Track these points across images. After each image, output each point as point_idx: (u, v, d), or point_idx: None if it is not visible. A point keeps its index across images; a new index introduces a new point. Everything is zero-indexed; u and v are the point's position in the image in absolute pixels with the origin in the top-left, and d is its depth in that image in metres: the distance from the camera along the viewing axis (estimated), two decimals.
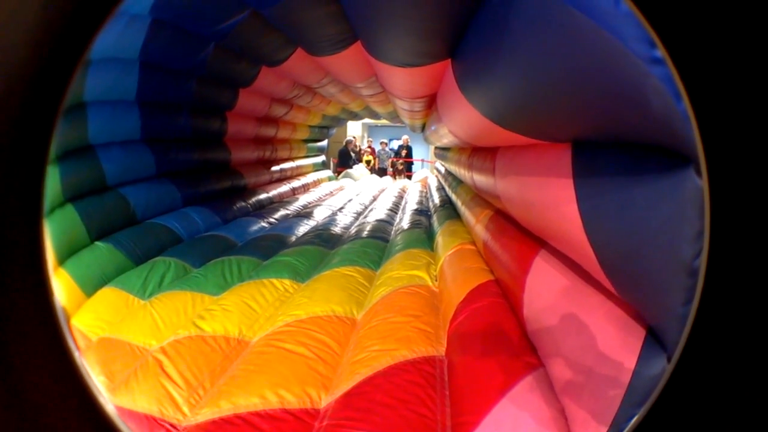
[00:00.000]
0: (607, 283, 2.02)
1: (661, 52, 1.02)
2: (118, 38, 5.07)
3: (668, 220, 1.44)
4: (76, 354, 1.23)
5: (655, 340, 1.66)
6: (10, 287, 1.14)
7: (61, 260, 4.67)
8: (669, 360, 1.53)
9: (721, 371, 1.07)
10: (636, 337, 1.74)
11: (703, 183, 1.00)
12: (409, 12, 3.46)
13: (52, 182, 4.69)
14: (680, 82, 0.99)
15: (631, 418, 1.39)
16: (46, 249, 1.20)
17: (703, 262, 1.04)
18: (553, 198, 2.47)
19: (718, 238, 1.01)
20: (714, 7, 0.95)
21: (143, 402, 3.01)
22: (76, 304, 4.37)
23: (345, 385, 2.98)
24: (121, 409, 2.95)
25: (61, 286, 4.42)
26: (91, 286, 4.66)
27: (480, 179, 5.14)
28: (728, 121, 0.97)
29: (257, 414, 2.81)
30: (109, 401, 1.28)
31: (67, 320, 1.24)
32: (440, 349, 3.32)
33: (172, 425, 2.88)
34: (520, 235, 3.65)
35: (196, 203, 7.58)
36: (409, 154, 21.98)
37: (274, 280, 4.92)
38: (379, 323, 3.71)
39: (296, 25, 5.57)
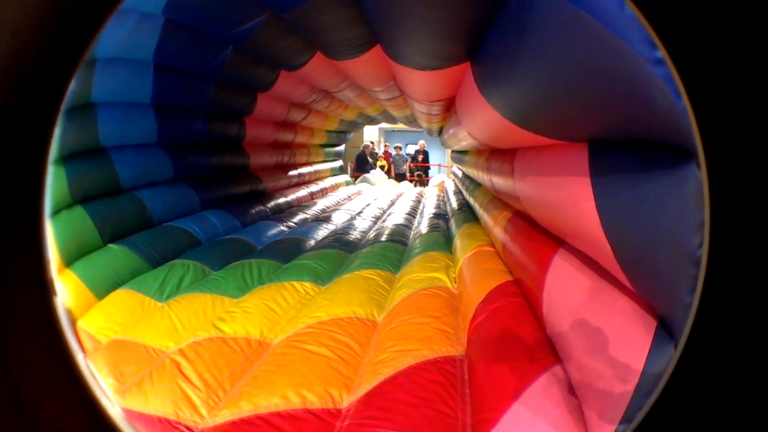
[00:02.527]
0: (622, 278, 2.07)
1: (661, 53, 1.07)
2: (127, 37, 5.02)
3: (675, 213, 1.50)
4: (79, 355, 1.24)
5: (665, 330, 1.70)
6: (9, 287, 1.15)
7: (69, 262, 4.67)
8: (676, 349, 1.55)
9: (726, 357, 1.11)
10: (648, 329, 1.79)
11: (702, 175, 1.06)
12: (430, 16, 3.50)
13: (58, 183, 4.70)
14: (679, 80, 1.04)
15: (641, 408, 1.41)
16: (47, 249, 1.20)
17: (704, 251, 1.09)
18: (572, 196, 2.51)
19: (718, 228, 1.06)
20: (710, 10, 1.01)
21: (157, 404, 3.01)
22: (84, 306, 4.36)
23: (367, 385, 3.00)
24: (130, 412, 2.95)
25: (68, 287, 4.44)
26: (102, 289, 4.65)
27: (499, 181, 5.15)
28: (725, 116, 1.02)
29: (278, 414, 2.82)
30: (114, 403, 1.29)
31: (73, 322, 1.24)
32: (460, 349, 3.33)
33: (187, 428, 2.87)
34: (539, 235, 3.66)
35: (214, 207, 7.59)
36: (426, 159, 21.91)
37: (295, 283, 4.93)
38: (399, 324, 3.72)
39: (316, 28, 5.55)
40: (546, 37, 2.13)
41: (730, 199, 1.04)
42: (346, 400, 2.98)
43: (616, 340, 2.03)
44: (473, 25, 3.44)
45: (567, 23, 1.78)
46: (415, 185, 19.47)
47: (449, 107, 7.08)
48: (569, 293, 2.75)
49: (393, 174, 21.60)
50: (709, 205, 1.06)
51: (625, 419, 1.72)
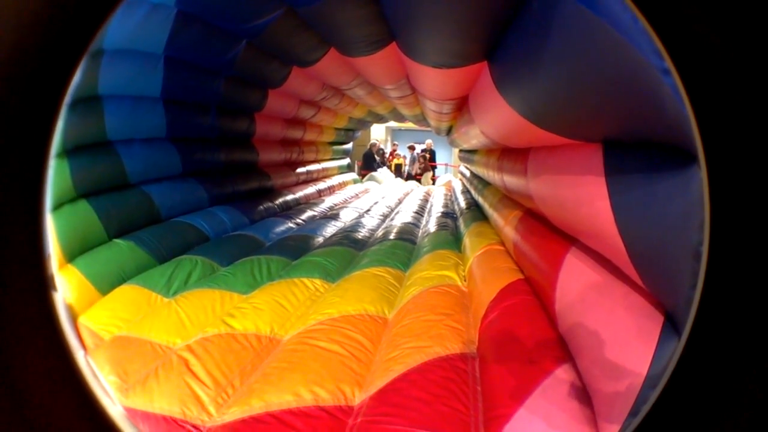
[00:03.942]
0: (633, 275, 2.13)
1: (667, 63, 1.14)
2: (137, 29, 4.95)
3: (682, 212, 1.55)
4: (79, 352, 1.22)
5: (671, 326, 1.78)
6: (8, 283, 1.14)
7: (72, 257, 4.62)
8: None
9: (727, 350, 1.15)
10: (656, 324, 1.85)
11: (703, 176, 1.12)
12: (450, 15, 3.52)
13: (61, 177, 4.66)
14: (683, 89, 1.11)
15: (647, 401, 1.43)
16: (47, 245, 1.19)
17: (705, 248, 1.14)
18: (587, 195, 2.53)
19: (718, 226, 1.11)
20: (717, 24, 1.07)
21: (162, 402, 2.98)
22: (87, 302, 4.29)
23: (379, 381, 2.99)
24: (133, 411, 2.93)
25: (71, 283, 4.38)
26: (107, 284, 4.61)
27: (511, 180, 5.15)
28: (725, 122, 1.09)
29: (290, 411, 2.80)
30: (115, 402, 1.27)
31: (74, 318, 1.23)
32: (472, 347, 3.33)
33: (194, 426, 2.85)
34: (551, 233, 3.69)
35: (223, 203, 7.58)
36: (433, 158, 21.92)
37: (305, 280, 4.93)
38: (411, 322, 3.72)
39: (333, 25, 5.53)
40: (567, 42, 2.18)
41: (730, 199, 1.10)
42: (358, 397, 2.98)
43: (626, 336, 2.09)
44: (493, 26, 3.46)
45: (588, 30, 1.84)
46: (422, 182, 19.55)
47: (461, 106, 7.10)
48: (582, 290, 2.78)
49: (405, 174, 21.62)
50: (710, 205, 1.11)
51: (633, 412, 1.75)
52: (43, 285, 1.19)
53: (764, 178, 1.07)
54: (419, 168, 21.30)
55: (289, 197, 10.08)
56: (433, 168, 21.92)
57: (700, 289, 1.14)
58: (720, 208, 1.10)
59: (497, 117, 4.45)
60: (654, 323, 1.86)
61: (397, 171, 21.45)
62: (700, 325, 1.15)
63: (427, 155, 21.54)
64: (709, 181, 1.09)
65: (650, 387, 1.68)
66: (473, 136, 7.11)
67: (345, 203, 11.54)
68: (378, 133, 26.25)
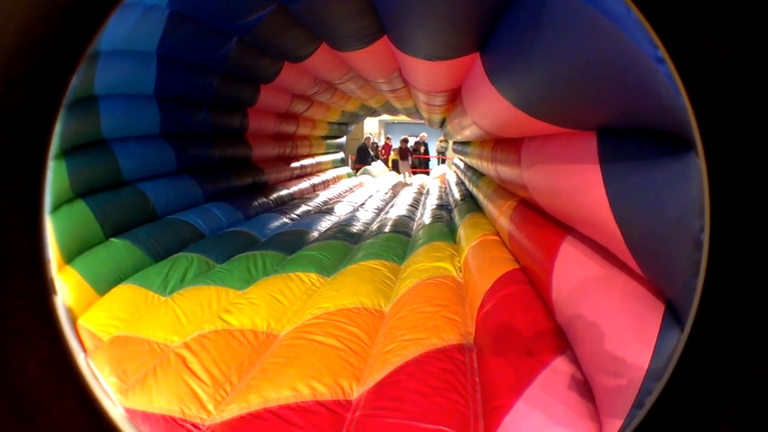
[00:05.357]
0: (631, 262, 2.12)
1: (661, 52, 1.13)
2: (132, 30, 4.98)
3: (681, 198, 1.56)
4: (80, 354, 1.22)
5: (672, 314, 1.77)
6: (9, 286, 1.13)
7: (70, 258, 4.62)
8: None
9: (732, 339, 1.13)
10: (657, 312, 1.85)
11: (701, 163, 1.10)
12: (441, 6, 3.51)
13: (58, 177, 4.64)
14: (678, 78, 1.10)
15: (652, 392, 1.43)
16: (47, 248, 1.18)
17: (706, 236, 1.12)
18: (582, 183, 2.53)
19: (718, 213, 1.10)
20: (708, 12, 1.05)
21: (161, 402, 2.96)
22: (85, 303, 4.30)
23: (377, 375, 2.99)
24: (133, 412, 2.91)
25: (69, 284, 4.38)
26: (104, 284, 4.60)
27: (504, 170, 5.15)
28: (721, 110, 1.08)
29: (289, 407, 2.79)
30: (116, 403, 1.27)
31: (73, 320, 1.22)
32: (469, 338, 3.33)
33: (194, 425, 2.83)
34: (546, 222, 3.68)
35: (217, 199, 7.57)
36: (426, 151, 21.95)
37: (301, 274, 4.92)
38: (407, 314, 3.72)
39: (324, 20, 5.53)
40: (560, 31, 2.18)
41: (729, 186, 1.08)
42: (356, 391, 2.97)
43: (626, 326, 2.08)
44: (485, 16, 3.44)
45: (581, 19, 1.84)
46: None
47: (453, 98, 7.08)
48: (578, 279, 2.78)
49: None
50: (709, 192, 1.10)
51: (637, 404, 1.74)
52: (44, 289, 1.18)
53: (763, 163, 1.06)
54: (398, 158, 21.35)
55: (284, 192, 10.08)
56: (426, 161, 21.94)
57: (703, 277, 1.13)
58: (719, 195, 1.08)
59: (490, 108, 4.44)
60: (654, 312, 1.85)
61: (394, 165, 21.48)
62: (704, 314, 1.13)
63: (420, 147, 21.55)
64: (707, 168, 1.08)
65: (653, 378, 1.68)
66: (466, 127, 7.10)
67: (339, 197, 11.56)
68: (371, 127, 26.28)
